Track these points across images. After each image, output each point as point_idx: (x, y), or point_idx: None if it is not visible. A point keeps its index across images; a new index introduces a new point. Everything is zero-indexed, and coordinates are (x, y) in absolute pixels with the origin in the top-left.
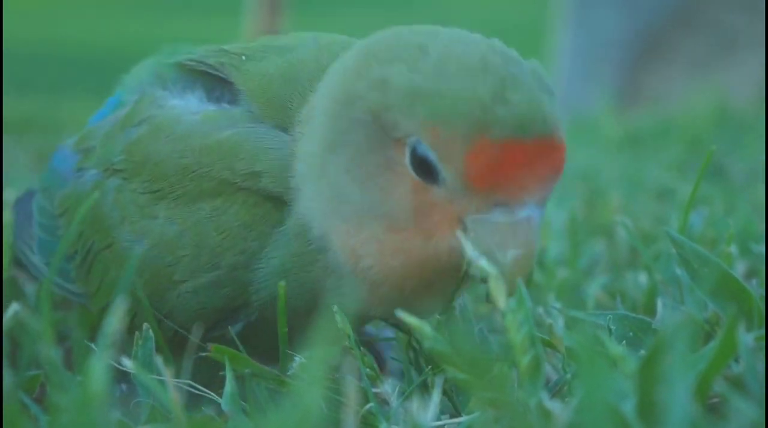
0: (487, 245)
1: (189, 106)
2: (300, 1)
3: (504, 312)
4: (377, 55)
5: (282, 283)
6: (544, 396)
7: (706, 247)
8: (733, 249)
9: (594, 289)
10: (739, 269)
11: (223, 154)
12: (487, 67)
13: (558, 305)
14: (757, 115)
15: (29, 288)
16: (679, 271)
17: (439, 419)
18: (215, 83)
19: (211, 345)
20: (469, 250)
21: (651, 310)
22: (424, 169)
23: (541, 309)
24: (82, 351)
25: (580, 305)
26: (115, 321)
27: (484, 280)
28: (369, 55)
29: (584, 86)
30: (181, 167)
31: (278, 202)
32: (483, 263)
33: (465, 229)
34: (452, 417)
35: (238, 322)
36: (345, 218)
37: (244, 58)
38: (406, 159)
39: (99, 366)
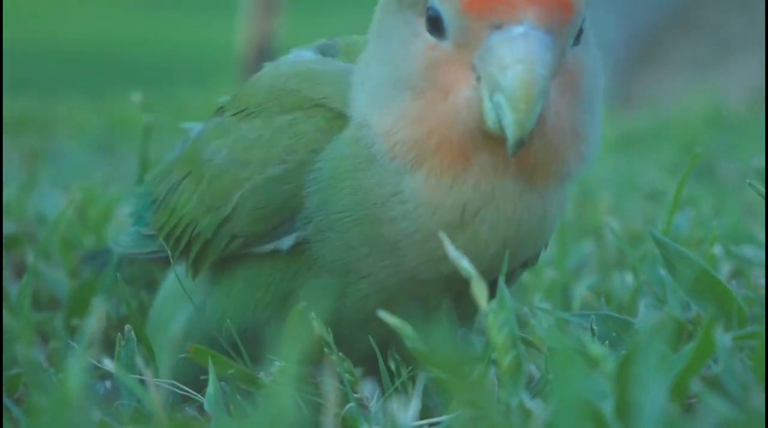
0: (491, 73)
1: (302, 54)
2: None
3: (485, 312)
4: None
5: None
6: (526, 397)
7: (691, 248)
8: (717, 249)
9: (581, 290)
10: (724, 270)
11: (310, 77)
12: None
13: (543, 305)
14: (751, 117)
15: (13, 288)
16: (662, 272)
17: (419, 420)
18: (329, 47)
19: (190, 347)
20: (486, 101)
21: (635, 311)
22: (434, 25)
23: (525, 309)
24: (63, 350)
25: (566, 306)
26: (94, 321)
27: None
28: None
29: None
30: (271, 88)
31: (344, 118)
32: (464, 264)
33: (477, 76)
34: (433, 417)
35: (293, 233)
36: (378, 101)
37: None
38: (424, 26)
39: (77, 365)
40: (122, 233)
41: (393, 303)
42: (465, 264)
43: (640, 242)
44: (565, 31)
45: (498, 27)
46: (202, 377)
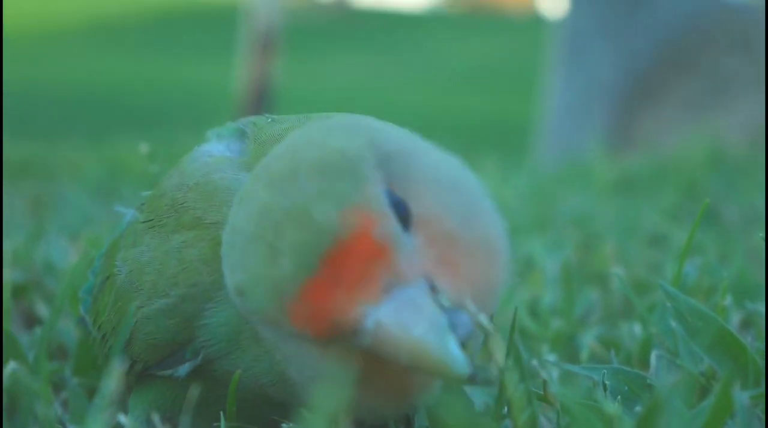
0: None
1: (212, 150)
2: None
3: (501, 369)
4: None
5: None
6: None
7: (700, 298)
8: (728, 301)
9: (588, 340)
10: (734, 320)
11: (205, 194)
12: (262, 222)
13: (552, 358)
14: (751, 159)
15: (24, 339)
16: (674, 324)
17: None
18: (241, 137)
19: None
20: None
21: (645, 362)
22: None
23: (535, 362)
24: (79, 407)
25: (574, 356)
26: (113, 381)
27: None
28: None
29: (577, 128)
30: (173, 200)
31: None
32: (482, 320)
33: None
34: None
35: (185, 363)
36: None
37: (270, 119)
38: None
39: (97, 425)
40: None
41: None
42: (483, 320)
43: (647, 290)
44: (399, 265)
45: (355, 333)
46: None
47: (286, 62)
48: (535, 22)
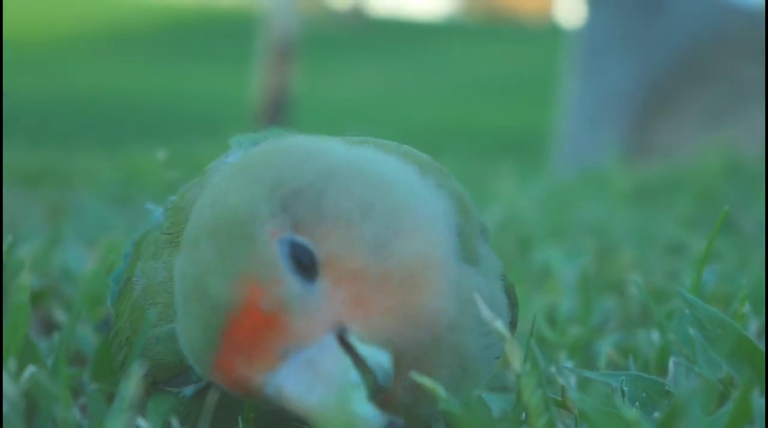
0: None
1: (232, 159)
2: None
3: (518, 374)
4: None
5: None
6: None
7: (718, 305)
8: (746, 308)
9: (606, 347)
10: (752, 328)
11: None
12: (179, 289)
13: (570, 364)
14: None
15: (42, 345)
16: (692, 331)
17: None
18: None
19: None
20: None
21: (663, 369)
22: None
23: (553, 368)
24: (98, 412)
25: (591, 363)
26: (132, 385)
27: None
28: None
29: (593, 137)
30: (190, 216)
31: None
32: (498, 326)
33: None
34: None
35: (190, 384)
36: None
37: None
38: None
39: None
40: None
41: None
42: (499, 326)
43: (664, 298)
44: (291, 331)
45: (262, 395)
46: None
47: (303, 71)
48: (552, 31)
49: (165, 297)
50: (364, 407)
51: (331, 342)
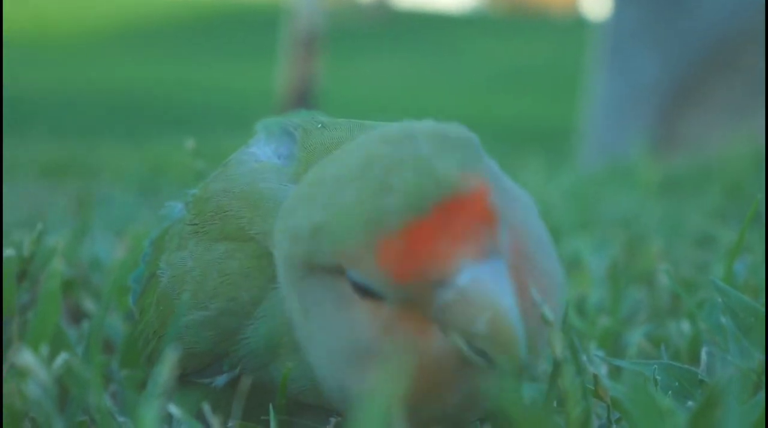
0: (458, 327)
1: (260, 154)
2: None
3: (558, 362)
4: (290, 202)
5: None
6: None
7: (749, 295)
8: None
9: (636, 337)
10: None
11: (250, 203)
12: (370, 165)
13: (601, 353)
14: None
15: (72, 333)
16: (724, 320)
17: None
18: (290, 141)
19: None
20: (462, 345)
21: (694, 359)
22: (365, 292)
23: (584, 358)
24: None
25: (621, 354)
26: (166, 370)
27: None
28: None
29: (619, 130)
30: (218, 206)
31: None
32: (546, 311)
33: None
34: None
35: (222, 374)
36: (332, 374)
37: (320, 125)
38: (352, 289)
39: (150, 415)
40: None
41: None
42: (547, 313)
43: (694, 289)
44: (498, 239)
45: (441, 283)
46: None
47: (328, 64)
48: (578, 23)
49: (193, 285)
50: (521, 329)
51: (506, 268)
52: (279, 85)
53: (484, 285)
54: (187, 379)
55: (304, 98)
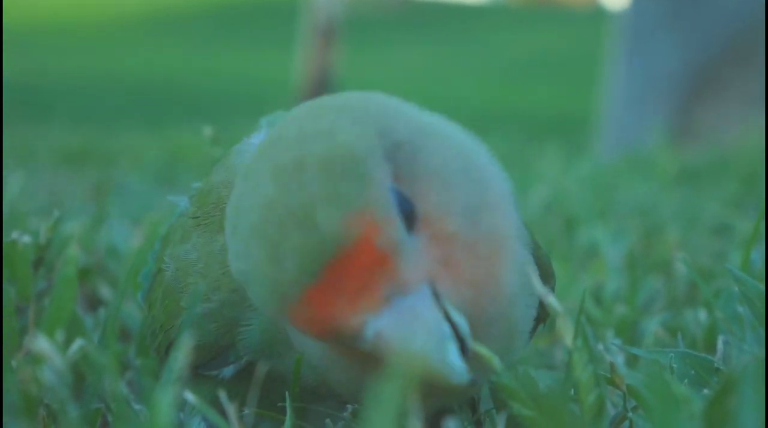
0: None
1: (256, 141)
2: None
3: (570, 350)
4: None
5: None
6: None
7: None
8: None
9: (653, 326)
10: None
11: None
12: (267, 214)
13: (618, 342)
14: None
15: (88, 321)
16: (741, 309)
17: None
18: None
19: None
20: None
21: (711, 348)
22: None
23: (600, 346)
24: (148, 384)
25: (638, 342)
26: (182, 356)
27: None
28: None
29: (637, 120)
30: (218, 198)
31: None
32: (551, 301)
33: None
34: None
35: (229, 365)
36: None
37: None
38: None
39: (165, 401)
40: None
41: None
42: (553, 302)
43: (710, 278)
44: (399, 273)
45: (356, 339)
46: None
47: (347, 54)
48: (597, 14)
49: (196, 278)
50: (456, 360)
51: (428, 294)
52: (298, 74)
53: (387, 338)
54: (195, 372)
55: (322, 87)
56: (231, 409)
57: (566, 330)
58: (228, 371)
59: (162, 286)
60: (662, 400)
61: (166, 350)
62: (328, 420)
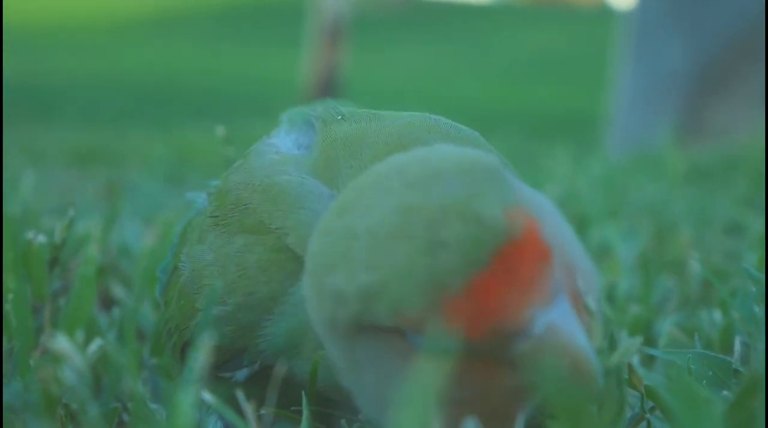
0: (537, 372)
1: (280, 145)
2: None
3: (598, 351)
4: (322, 258)
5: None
6: None
7: None
8: None
9: (667, 326)
10: None
11: (270, 197)
12: (408, 218)
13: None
14: None
15: (102, 320)
16: (757, 309)
17: None
18: (310, 131)
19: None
20: None
21: (727, 349)
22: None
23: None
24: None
25: (653, 342)
26: (202, 356)
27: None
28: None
29: (646, 118)
30: (237, 199)
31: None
32: (591, 303)
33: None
34: None
35: (242, 368)
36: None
37: (340, 117)
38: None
39: (186, 401)
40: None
41: None
42: (591, 303)
43: (724, 277)
44: (554, 273)
45: (517, 335)
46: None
47: (353, 53)
48: (604, 13)
49: (212, 280)
50: (598, 364)
51: (568, 301)
52: (304, 73)
53: (560, 332)
54: (210, 373)
55: (328, 87)
56: (249, 409)
57: (596, 332)
58: (242, 374)
59: (178, 286)
60: (685, 402)
61: (181, 349)
62: (343, 421)
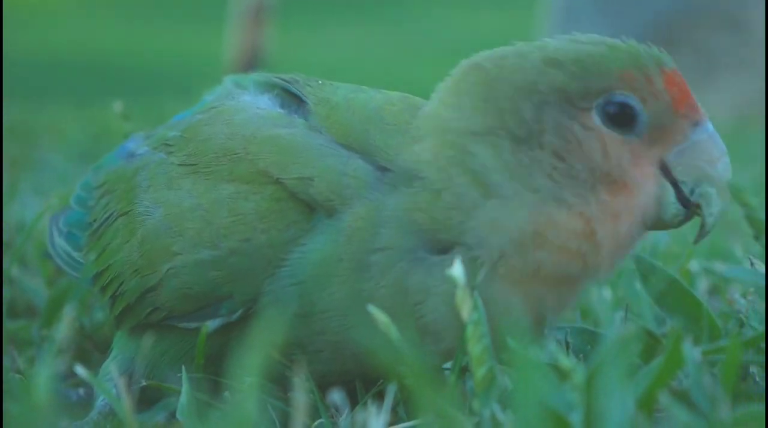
0: (698, 166)
1: (257, 103)
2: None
3: (467, 323)
4: (523, 51)
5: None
6: (497, 408)
7: (669, 264)
8: (694, 266)
9: None
10: (701, 286)
11: (278, 148)
12: (591, 42)
13: None
14: (737, 137)
15: None
16: (638, 286)
17: None
18: (291, 99)
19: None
20: (670, 196)
21: (612, 325)
22: (620, 120)
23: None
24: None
25: None
26: (64, 328)
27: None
28: (509, 55)
29: None
30: (224, 148)
31: (306, 206)
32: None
33: (666, 170)
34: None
35: (218, 317)
36: (540, 196)
37: (320, 82)
38: (595, 121)
39: (45, 372)
40: (56, 240)
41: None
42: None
43: None
44: None
45: (696, 124)
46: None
47: (284, 32)
48: None
49: (197, 223)
50: None
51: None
52: (229, 51)
53: (720, 138)
54: (166, 323)
55: (253, 64)
56: (121, 383)
57: (464, 304)
58: (213, 323)
59: (138, 231)
60: (539, 371)
61: (139, 297)
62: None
